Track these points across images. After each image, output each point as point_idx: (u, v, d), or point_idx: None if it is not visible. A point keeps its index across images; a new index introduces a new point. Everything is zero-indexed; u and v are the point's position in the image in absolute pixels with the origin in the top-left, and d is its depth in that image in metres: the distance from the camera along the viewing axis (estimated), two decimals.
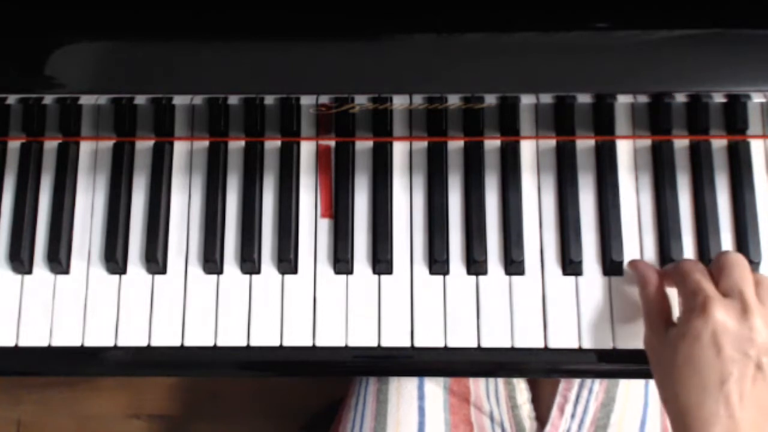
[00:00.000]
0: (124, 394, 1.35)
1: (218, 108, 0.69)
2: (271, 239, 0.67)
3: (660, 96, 0.63)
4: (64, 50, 0.58)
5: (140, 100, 0.62)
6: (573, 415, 0.79)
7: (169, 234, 0.68)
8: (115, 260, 0.67)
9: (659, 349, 0.60)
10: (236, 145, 0.69)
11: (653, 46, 0.57)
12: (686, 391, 0.56)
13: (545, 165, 0.69)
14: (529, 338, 0.65)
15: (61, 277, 0.67)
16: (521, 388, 0.82)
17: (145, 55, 0.58)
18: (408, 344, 0.65)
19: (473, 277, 0.66)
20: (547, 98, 0.63)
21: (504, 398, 0.82)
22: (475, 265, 0.66)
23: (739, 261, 0.59)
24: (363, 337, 0.65)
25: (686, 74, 0.57)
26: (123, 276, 0.67)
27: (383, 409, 0.76)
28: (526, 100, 0.66)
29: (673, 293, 0.63)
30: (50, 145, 0.70)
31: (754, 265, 0.66)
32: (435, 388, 0.77)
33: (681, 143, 0.69)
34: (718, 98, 0.63)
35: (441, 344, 0.65)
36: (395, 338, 0.65)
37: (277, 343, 0.66)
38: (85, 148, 0.70)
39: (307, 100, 0.62)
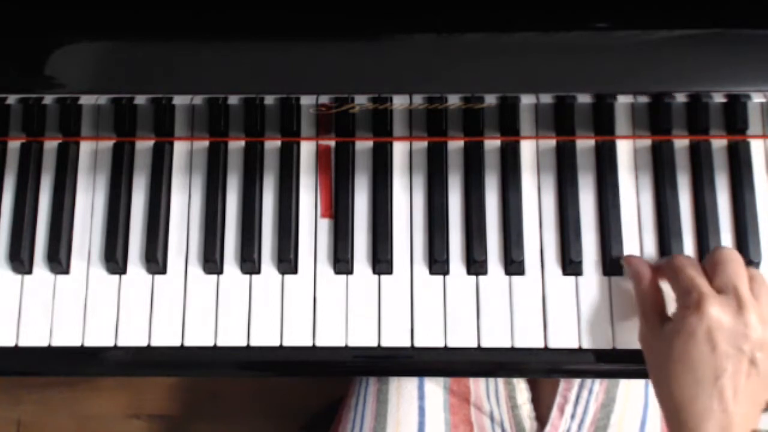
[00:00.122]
0: (124, 394, 1.35)
1: (218, 108, 0.69)
2: (271, 239, 0.67)
3: (660, 96, 0.63)
4: (64, 50, 0.58)
5: (140, 100, 0.63)
6: (573, 416, 0.79)
7: (169, 234, 0.68)
8: (115, 260, 0.67)
9: (654, 344, 0.61)
10: (236, 145, 0.69)
11: (653, 46, 0.57)
12: (680, 387, 0.57)
13: (545, 165, 0.69)
14: (529, 338, 0.65)
15: (61, 277, 0.67)
16: (521, 388, 0.82)
17: (145, 55, 0.58)
18: (408, 344, 0.65)
19: (473, 277, 0.66)
20: (547, 98, 0.63)
21: (504, 398, 0.82)
22: (475, 265, 0.66)
23: (733, 256, 0.60)
24: (363, 337, 0.65)
25: (686, 74, 0.57)
26: (123, 276, 0.67)
27: (383, 409, 0.76)
28: (526, 100, 0.66)
29: (667, 288, 0.63)
30: (50, 145, 0.70)
31: (754, 265, 0.66)
32: (435, 388, 0.77)
33: (681, 143, 0.69)
34: (718, 98, 0.63)
35: (441, 344, 0.65)
36: (395, 338, 0.65)
37: (277, 343, 0.66)
38: (85, 148, 0.70)
39: (307, 100, 0.62)
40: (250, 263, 0.66)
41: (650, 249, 0.67)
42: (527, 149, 0.69)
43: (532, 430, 0.81)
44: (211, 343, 0.66)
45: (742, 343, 0.56)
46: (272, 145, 0.69)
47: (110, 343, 0.66)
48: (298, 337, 0.66)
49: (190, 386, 1.36)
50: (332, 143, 0.69)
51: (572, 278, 0.66)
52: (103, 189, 0.69)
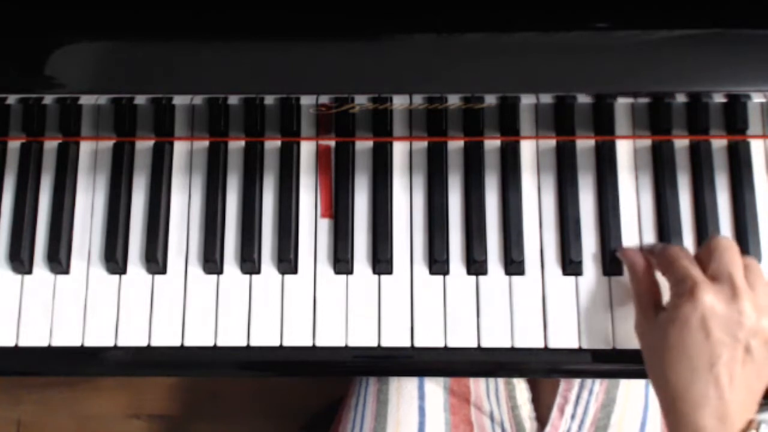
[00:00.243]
0: (124, 394, 1.35)
1: (218, 108, 0.69)
2: (271, 239, 0.67)
3: (660, 96, 0.63)
4: (64, 50, 0.58)
5: (140, 100, 0.62)
6: (573, 416, 0.79)
7: (169, 234, 0.68)
8: (115, 260, 0.67)
9: (649, 333, 0.61)
10: (236, 145, 0.69)
11: (653, 46, 0.57)
12: (676, 375, 0.57)
13: (545, 165, 0.69)
14: (529, 338, 0.65)
15: (61, 277, 0.67)
16: (521, 388, 0.82)
17: (145, 55, 0.58)
18: (408, 344, 0.65)
19: (473, 277, 0.66)
20: (547, 98, 0.63)
21: (504, 398, 0.82)
22: (475, 265, 0.66)
23: (729, 245, 0.60)
24: (363, 337, 0.65)
25: (686, 74, 0.57)
26: (123, 276, 0.67)
27: (383, 409, 0.76)
28: (526, 100, 0.66)
29: (663, 281, 0.63)
30: (50, 145, 0.70)
31: None
32: (435, 388, 0.77)
33: (681, 143, 0.69)
34: (718, 98, 0.63)
35: (441, 344, 0.65)
36: (395, 338, 0.65)
37: (277, 343, 0.66)
38: (85, 148, 0.70)
39: (307, 100, 0.62)
40: (250, 263, 0.66)
41: None
42: (527, 149, 0.69)
43: (532, 430, 0.81)
44: (211, 343, 0.66)
45: (736, 330, 0.56)
46: (272, 145, 0.69)
47: (110, 343, 0.66)
48: (298, 337, 0.66)
49: (190, 386, 1.36)
50: (332, 143, 0.69)
51: (572, 278, 0.66)
52: (103, 189, 0.69)
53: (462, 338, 0.65)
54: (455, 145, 0.69)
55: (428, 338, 0.65)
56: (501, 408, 0.81)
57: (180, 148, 0.70)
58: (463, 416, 0.77)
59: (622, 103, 0.69)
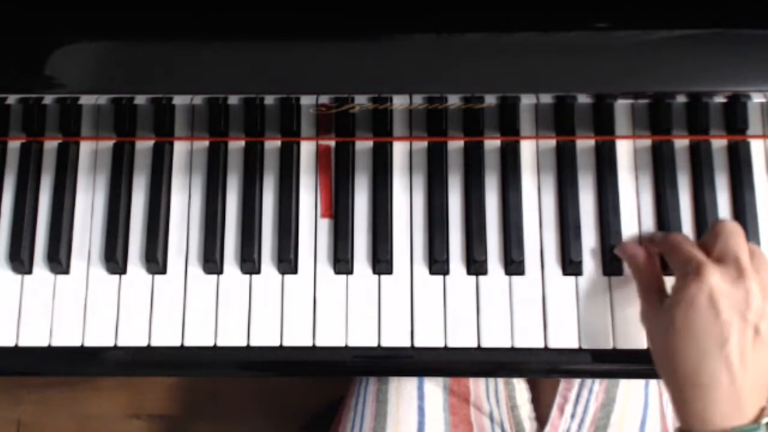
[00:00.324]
0: (124, 394, 1.35)
1: (218, 108, 0.69)
2: (271, 239, 0.67)
3: (660, 96, 0.63)
4: (64, 50, 0.58)
5: (140, 100, 0.62)
6: (573, 416, 0.79)
7: (169, 234, 0.68)
8: (115, 260, 0.67)
9: (655, 320, 0.59)
10: (236, 145, 0.69)
11: (653, 46, 0.57)
12: (684, 359, 0.55)
13: (545, 165, 0.69)
14: (529, 338, 0.65)
15: (61, 277, 0.67)
16: (521, 388, 0.82)
17: (145, 55, 0.58)
18: (408, 344, 0.65)
19: (473, 277, 0.66)
20: (547, 98, 0.63)
21: (504, 398, 0.82)
22: (475, 265, 0.66)
23: (735, 228, 0.59)
24: (363, 337, 0.65)
25: (686, 74, 0.57)
26: (123, 276, 0.67)
27: (383, 409, 0.76)
28: (526, 100, 0.66)
29: (666, 279, 0.63)
30: (50, 145, 0.70)
31: None
32: (435, 388, 0.77)
33: (681, 143, 0.69)
34: (718, 98, 0.63)
35: (441, 344, 0.65)
36: (395, 338, 0.65)
37: (277, 343, 0.66)
38: (85, 148, 0.70)
39: (307, 100, 0.62)
40: (250, 263, 0.66)
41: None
42: (527, 149, 0.69)
43: (532, 430, 0.81)
44: (211, 343, 0.66)
45: (745, 310, 0.54)
46: (272, 145, 0.69)
47: (110, 343, 0.66)
48: (298, 337, 0.66)
49: (190, 386, 1.36)
50: (332, 143, 0.69)
51: (572, 278, 0.66)
52: (103, 189, 0.69)
53: (462, 338, 0.65)
54: (455, 145, 0.69)
55: (428, 338, 0.65)
56: (501, 408, 0.81)
57: (180, 148, 0.70)
58: (462, 416, 0.77)
59: (622, 103, 0.69)
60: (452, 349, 0.65)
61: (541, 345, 0.65)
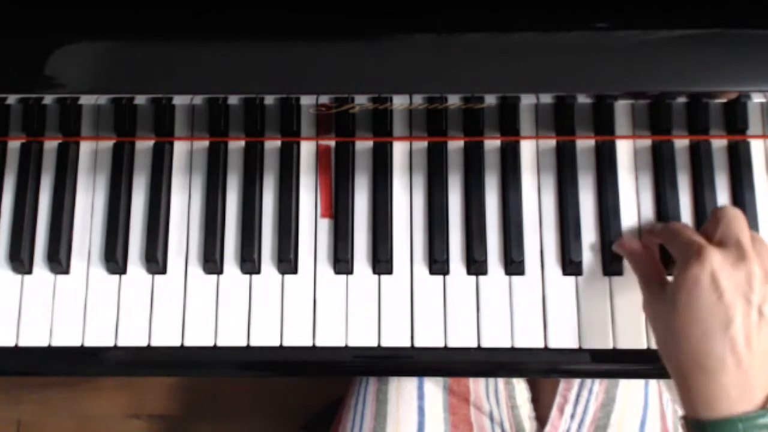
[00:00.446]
0: (124, 394, 1.35)
1: (218, 108, 0.69)
2: (271, 239, 0.67)
3: (660, 96, 0.63)
4: (64, 50, 0.58)
5: (140, 100, 0.62)
6: (573, 415, 0.79)
7: (169, 234, 0.68)
8: (115, 260, 0.67)
9: (658, 308, 0.58)
10: (236, 145, 0.69)
11: (653, 46, 0.57)
12: (689, 343, 0.53)
13: (545, 165, 0.69)
14: (529, 338, 0.65)
15: (61, 277, 0.67)
16: (521, 388, 0.82)
17: (145, 55, 0.58)
18: (408, 344, 0.65)
19: (473, 277, 0.66)
20: (547, 98, 0.63)
21: (504, 398, 0.82)
22: (475, 265, 0.66)
23: (737, 213, 0.59)
24: (363, 337, 0.65)
25: (686, 74, 0.57)
26: (123, 276, 0.67)
27: (383, 409, 0.76)
28: (526, 100, 0.66)
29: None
30: (50, 145, 0.70)
31: None
32: (435, 388, 0.77)
33: (681, 143, 0.69)
34: (718, 98, 0.63)
35: (441, 344, 0.65)
36: (395, 338, 0.65)
37: (277, 343, 0.66)
38: (85, 148, 0.70)
39: (307, 100, 0.62)
40: (250, 263, 0.66)
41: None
42: (527, 149, 0.69)
43: (532, 430, 0.81)
44: (211, 343, 0.66)
45: (748, 292, 0.53)
46: (272, 145, 0.69)
47: (110, 343, 0.66)
48: (298, 337, 0.66)
49: (190, 386, 1.36)
50: (332, 143, 0.69)
51: (572, 278, 0.66)
52: (103, 189, 0.69)
53: (462, 338, 0.65)
54: (455, 145, 0.69)
55: (428, 338, 0.65)
56: (500, 408, 0.81)
57: (180, 148, 0.70)
58: (462, 416, 0.77)
59: (622, 103, 0.69)
60: (452, 349, 0.65)
61: (541, 345, 0.65)
